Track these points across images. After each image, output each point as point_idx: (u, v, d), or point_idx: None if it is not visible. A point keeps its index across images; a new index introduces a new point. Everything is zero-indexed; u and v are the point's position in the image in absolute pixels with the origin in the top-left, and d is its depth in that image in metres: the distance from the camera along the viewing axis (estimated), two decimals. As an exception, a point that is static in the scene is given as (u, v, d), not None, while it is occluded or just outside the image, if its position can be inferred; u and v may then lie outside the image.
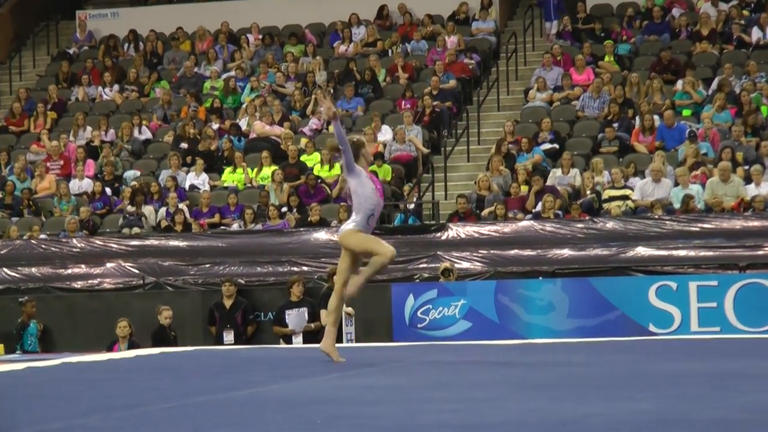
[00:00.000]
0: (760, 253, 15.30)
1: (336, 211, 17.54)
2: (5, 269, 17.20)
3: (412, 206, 18.31)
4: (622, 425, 5.07)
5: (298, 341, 14.89)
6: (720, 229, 15.61)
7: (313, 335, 14.65)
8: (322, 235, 16.71)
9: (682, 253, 15.51)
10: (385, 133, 19.68)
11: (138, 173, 19.98)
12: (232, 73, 22.75)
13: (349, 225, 8.91)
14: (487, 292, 14.56)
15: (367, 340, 14.28)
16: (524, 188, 17.51)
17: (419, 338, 14.17)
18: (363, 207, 8.84)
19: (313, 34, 23.89)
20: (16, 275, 17.16)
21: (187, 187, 19.28)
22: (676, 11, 22.04)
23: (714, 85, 19.39)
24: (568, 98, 20.34)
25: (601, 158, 17.87)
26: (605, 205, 16.86)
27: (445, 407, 5.83)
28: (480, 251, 16.03)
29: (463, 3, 23.47)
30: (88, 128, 21.46)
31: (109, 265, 17.06)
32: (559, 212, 16.84)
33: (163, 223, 18.18)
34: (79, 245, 17.35)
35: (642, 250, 15.60)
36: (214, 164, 19.96)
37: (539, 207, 16.90)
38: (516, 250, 16.00)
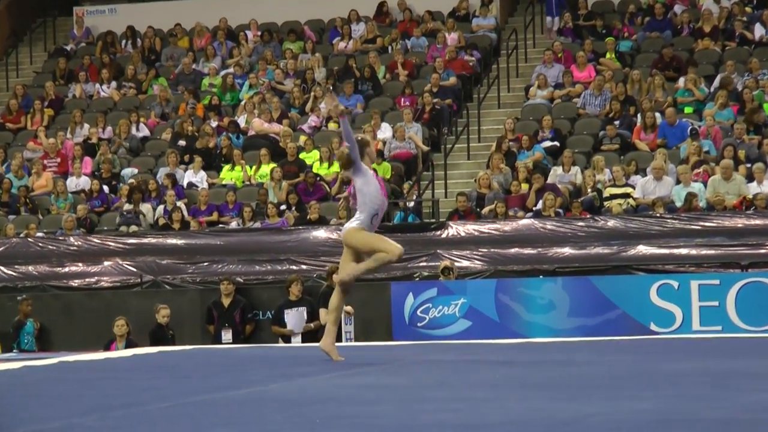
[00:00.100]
0: (762, 251, 15.27)
1: (335, 209, 17.48)
2: (2, 267, 17.18)
3: (411, 204, 18.26)
4: (623, 425, 5.06)
5: (296, 341, 14.81)
6: (722, 227, 15.58)
7: (312, 335, 14.58)
8: (321, 233, 16.67)
9: (683, 251, 15.47)
10: (385, 131, 19.61)
11: (136, 171, 19.93)
12: (231, 70, 22.69)
13: (352, 223, 8.83)
14: (488, 291, 14.52)
15: (367, 339, 14.23)
16: (525, 186, 17.47)
17: (419, 337, 14.13)
18: (367, 206, 8.77)
19: (313, 31, 23.83)
20: (13, 273, 17.14)
21: (185, 184, 19.22)
22: (678, 8, 21.99)
23: (716, 82, 19.35)
24: (569, 95, 20.29)
25: (602, 156, 17.82)
26: (606, 204, 16.82)
27: (445, 407, 5.80)
28: (480, 250, 15.98)
29: None
30: (86, 125, 21.41)
31: (106, 263, 17.02)
32: (560, 210, 16.80)
33: (161, 221, 18.13)
34: (76, 243, 17.31)
35: (643, 249, 15.55)
36: (213, 162, 19.90)
37: (540, 205, 16.87)
38: (516, 249, 15.96)
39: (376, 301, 14.67)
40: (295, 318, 15.02)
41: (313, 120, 20.61)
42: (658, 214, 16.09)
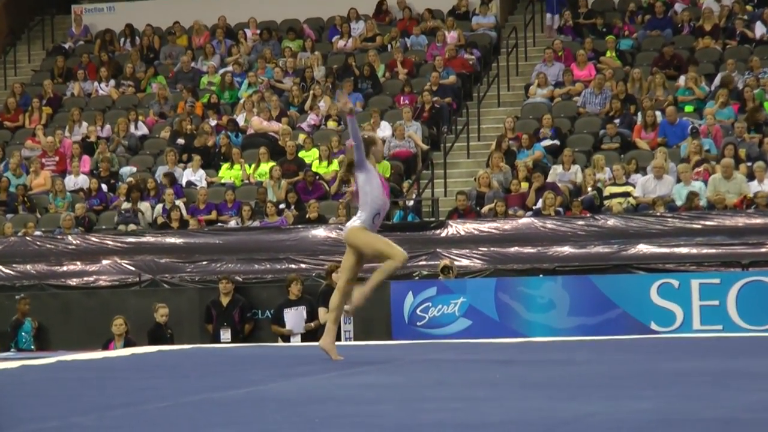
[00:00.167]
0: (763, 250, 15.25)
1: (335, 207, 17.44)
2: (0, 266, 17.10)
3: (411, 203, 18.23)
4: (623, 424, 5.04)
5: (296, 341, 14.77)
6: (722, 226, 15.56)
7: (311, 335, 14.54)
8: (320, 232, 16.64)
9: (684, 250, 15.44)
10: (384, 129, 19.57)
11: (134, 169, 19.90)
12: (230, 68, 22.66)
13: (355, 222, 8.76)
14: (487, 290, 14.49)
15: (366, 338, 14.18)
16: (525, 185, 17.45)
17: (418, 336, 14.10)
18: (369, 205, 8.72)
19: (312, 29, 23.81)
20: (11, 272, 17.12)
21: (183, 183, 19.19)
22: (678, 6, 21.97)
23: (717, 81, 19.33)
24: (569, 94, 20.26)
25: (602, 155, 17.80)
26: (606, 202, 16.79)
27: (445, 406, 5.79)
28: (480, 248, 15.96)
29: (462, -2, 23.43)
30: (84, 124, 21.37)
31: (104, 262, 17.01)
32: (560, 209, 16.79)
33: (160, 220, 18.10)
34: (74, 242, 17.29)
35: (643, 248, 15.53)
36: (211, 160, 19.87)
37: (540, 204, 16.84)
38: (516, 248, 15.93)
39: (375, 300, 14.54)
40: (294, 317, 14.98)
41: (312, 118, 20.58)
42: (658, 213, 16.06)
